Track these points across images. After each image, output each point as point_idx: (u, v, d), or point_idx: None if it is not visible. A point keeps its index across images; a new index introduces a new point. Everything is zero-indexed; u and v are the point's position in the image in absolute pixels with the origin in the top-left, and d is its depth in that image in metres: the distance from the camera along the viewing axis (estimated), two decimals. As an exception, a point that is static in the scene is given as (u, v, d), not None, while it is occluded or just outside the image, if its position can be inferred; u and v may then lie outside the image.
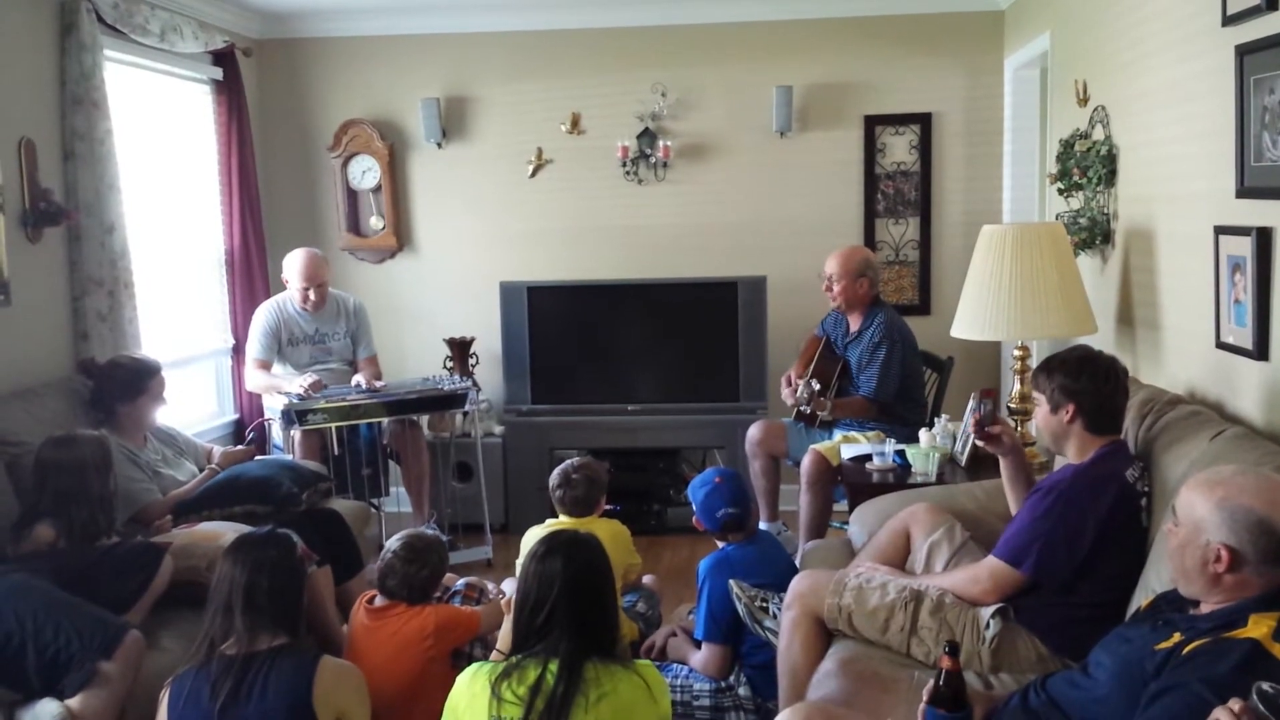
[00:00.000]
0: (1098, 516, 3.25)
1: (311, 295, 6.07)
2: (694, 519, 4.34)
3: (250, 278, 6.62)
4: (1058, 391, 3.43)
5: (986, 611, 3.35)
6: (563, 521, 4.60)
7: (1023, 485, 3.79)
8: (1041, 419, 3.52)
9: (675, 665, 4.30)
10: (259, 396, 6.30)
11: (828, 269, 5.66)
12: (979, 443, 3.92)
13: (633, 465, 6.74)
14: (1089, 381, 3.40)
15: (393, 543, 4.02)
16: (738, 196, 7.02)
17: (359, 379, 6.03)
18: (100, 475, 3.98)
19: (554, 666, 2.81)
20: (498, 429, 6.85)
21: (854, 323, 5.70)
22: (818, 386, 5.49)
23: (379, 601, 3.95)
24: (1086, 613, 3.22)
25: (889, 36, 6.84)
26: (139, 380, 4.73)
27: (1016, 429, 4.65)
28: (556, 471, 4.68)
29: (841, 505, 5.26)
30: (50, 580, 3.58)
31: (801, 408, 5.52)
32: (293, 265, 6.08)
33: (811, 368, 5.65)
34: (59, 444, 3.99)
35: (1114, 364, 3.48)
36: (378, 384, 6.02)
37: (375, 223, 7.18)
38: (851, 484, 4.95)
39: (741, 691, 4.10)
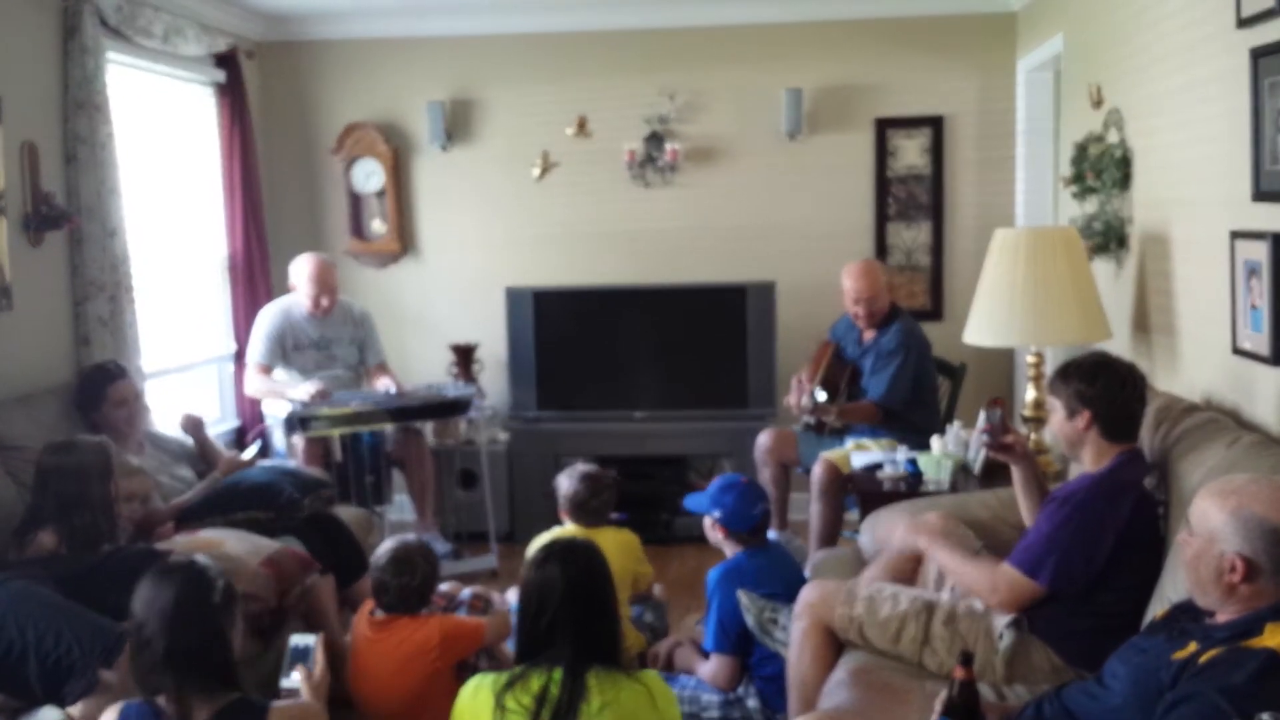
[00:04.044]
0: (1116, 527, 3.22)
1: (324, 301, 6.04)
2: (714, 525, 4.29)
3: (252, 282, 6.58)
4: (1074, 398, 3.39)
5: (1000, 622, 3.32)
6: (570, 530, 4.58)
7: (1036, 494, 3.74)
8: (1057, 425, 3.48)
9: (683, 676, 4.27)
10: (260, 402, 6.25)
11: (853, 290, 5.62)
12: (993, 454, 3.86)
13: (640, 473, 6.68)
14: (1105, 388, 3.37)
15: (378, 559, 3.99)
16: (746, 200, 6.97)
17: (388, 385, 6.02)
18: (101, 481, 3.93)
19: (558, 675, 2.82)
20: (502, 436, 6.81)
21: (869, 330, 5.68)
22: (822, 397, 5.45)
23: (380, 615, 3.92)
24: (1102, 623, 3.19)
25: (900, 39, 6.80)
26: (98, 386, 4.71)
27: (1029, 437, 4.61)
28: (563, 476, 4.67)
29: (853, 514, 5.23)
30: (51, 587, 3.55)
31: (805, 418, 5.50)
32: (304, 271, 6.04)
33: (819, 376, 5.61)
34: (59, 450, 3.97)
35: (1132, 370, 3.44)
36: (405, 388, 6.02)
37: (377, 226, 7.14)
38: (863, 493, 4.92)
39: (750, 703, 4.08)
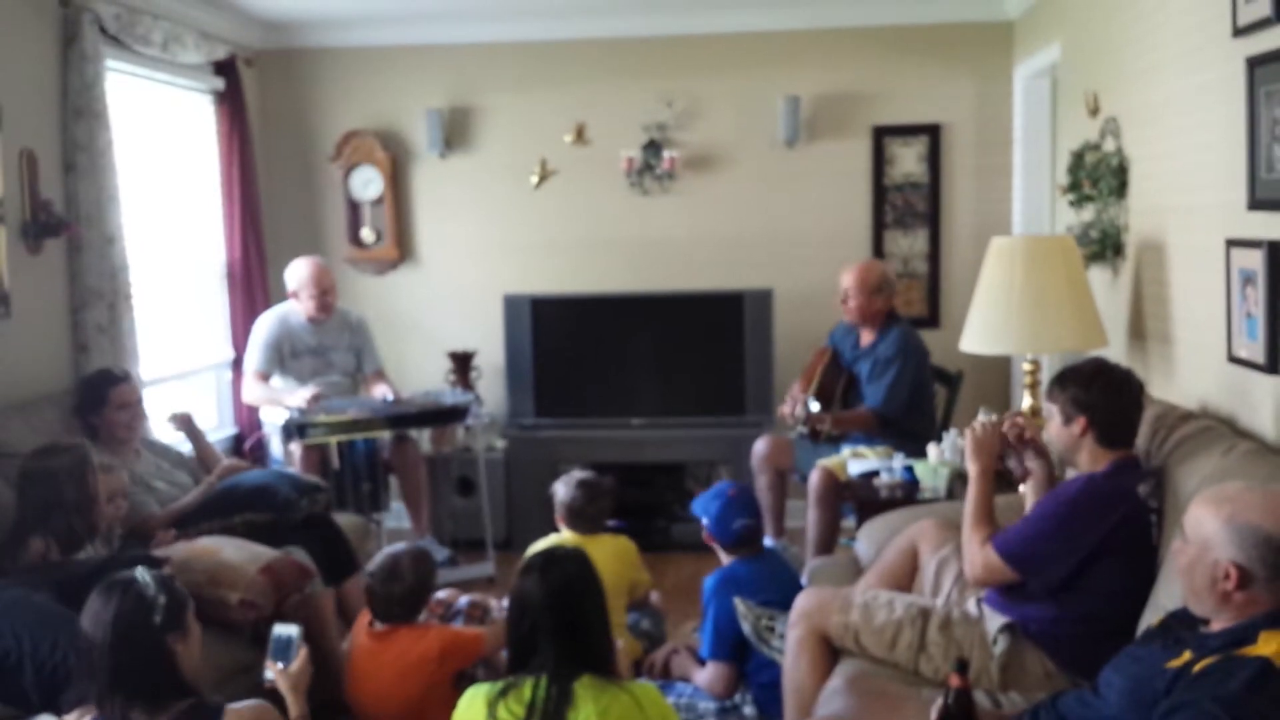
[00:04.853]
0: (1099, 530, 3.22)
1: (329, 299, 6.05)
2: (704, 533, 4.31)
3: (250, 290, 6.58)
4: (1070, 403, 3.40)
5: (994, 627, 3.33)
6: (567, 537, 4.57)
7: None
8: (1054, 432, 3.49)
9: (680, 684, 4.26)
10: (258, 409, 6.25)
11: (844, 283, 5.63)
12: (1015, 463, 3.79)
13: (638, 480, 6.68)
14: (1102, 394, 3.38)
15: (370, 569, 4.00)
16: (744, 208, 6.97)
17: (385, 393, 6.03)
18: (75, 482, 3.90)
19: (545, 683, 2.83)
20: (500, 443, 6.80)
21: (866, 336, 5.67)
22: (815, 408, 5.44)
23: (380, 626, 3.91)
24: (1095, 629, 3.20)
25: (898, 47, 6.81)
26: (100, 389, 4.70)
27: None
28: (560, 483, 4.66)
29: (850, 521, 5.23)
30: (49, 595, 3.54)
31: (800, 428, 5.49)
32: (301, 274, 6.04)
33: (813, 385, 5.61)
34: (37, 455, 3.96)
35: (1129, 376, 3.45)
36: (403, 395, 6.03)
37: (366, 235, 7.13)
38: (859, 500, 4.91)
39: (747, 711, 4.07)
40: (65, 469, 3.90)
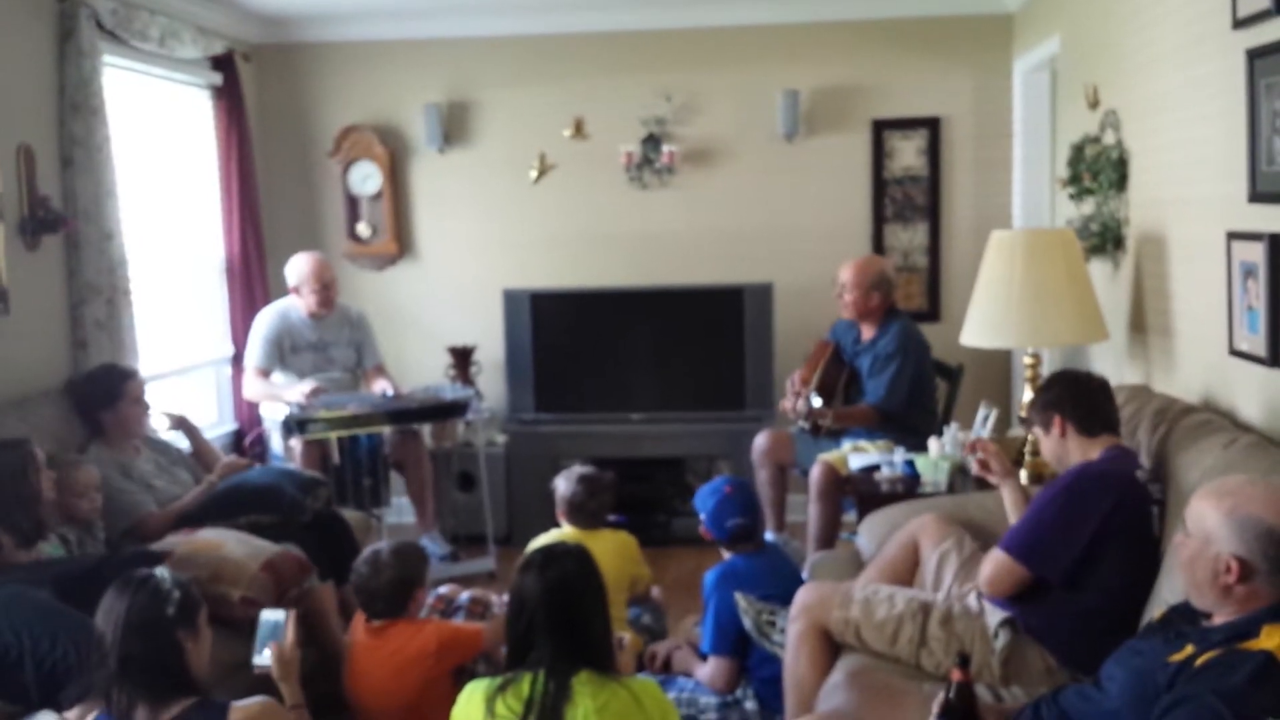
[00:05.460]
0: (1100, 512, 3.24)
1: (331, 294, 6.06)
2: (701, 528, 4.31)
3: (250, 285, 6.57)
4: (1042, 410, 3.56)
5: (994, 621, 3.34)
6: (567, 532, 4.57)
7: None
8: (1045, 447, 3.59)
9: (681, 679, 4.26)
10: (258, 405, 6.25)
11: (841, 277, 5.62)
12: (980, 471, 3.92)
13: (637, 475, 6.67)
14: (1063, 387, 3.54)
15: (355, 564, 4.00)
16: (744, 202, 6.97)
17: (385, 387, 6.03)
18: (16, 480, 3.83)
19: (543, 678, 2.83)
20: (500, 438, 6.80)
21: (866, 331, 5.66)
22: (817, 403, 5.44)
23: (377, 622, 3.91)
24: (1094, 624, 3.20)
25: (897, 40, 6.80)
26: (113, 384, 4.70)
27: (1026, 439, 4.60)
28: (561, 478, 4.66)
29: (850, 515, 5.22)
30: (49, 591, 3.53)
31: (801, 422, 5.49)
32: (302, 269, 6.04)
33: (815, 379, 5.60)
34: None
35: (1088, 373, 3.67)
36: (403, 390, 6.03)
37: (363, 230, 7.11)
38: (860, 494, 4.91)
39: (748, 705, 4.07)
40: (4, 467, 3.87)
